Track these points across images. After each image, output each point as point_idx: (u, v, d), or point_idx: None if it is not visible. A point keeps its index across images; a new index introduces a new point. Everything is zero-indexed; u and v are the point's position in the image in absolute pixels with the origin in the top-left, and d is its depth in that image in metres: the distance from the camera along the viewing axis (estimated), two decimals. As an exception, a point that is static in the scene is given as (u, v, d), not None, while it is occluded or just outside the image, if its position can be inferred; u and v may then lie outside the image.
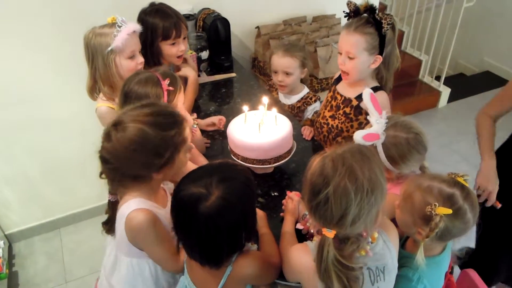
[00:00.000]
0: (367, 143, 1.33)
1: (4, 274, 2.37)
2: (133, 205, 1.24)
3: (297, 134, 1.91)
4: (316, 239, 1.15)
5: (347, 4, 1.65)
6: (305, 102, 2.21)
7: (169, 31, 1.85)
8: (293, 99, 2.25)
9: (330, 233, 1.04)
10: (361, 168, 1.03)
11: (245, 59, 2.83)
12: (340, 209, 1.01)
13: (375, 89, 1.70)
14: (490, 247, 1.98)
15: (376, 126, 1.37)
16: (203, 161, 1.63)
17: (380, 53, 1.63)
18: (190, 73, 2.02)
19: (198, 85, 2.10)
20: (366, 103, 1.42)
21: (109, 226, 1.39)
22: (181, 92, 1.55)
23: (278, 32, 2.66)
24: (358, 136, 1.34)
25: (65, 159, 2.55)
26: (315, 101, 2.22)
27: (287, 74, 2.15)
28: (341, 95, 1.80)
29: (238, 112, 1.72)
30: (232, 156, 1.62)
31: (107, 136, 1.21)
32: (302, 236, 1.39)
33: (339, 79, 1.84)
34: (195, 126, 1.70)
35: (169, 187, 1.45)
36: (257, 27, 2.67)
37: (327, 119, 1.85)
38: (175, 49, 1.91)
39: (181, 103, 1.56)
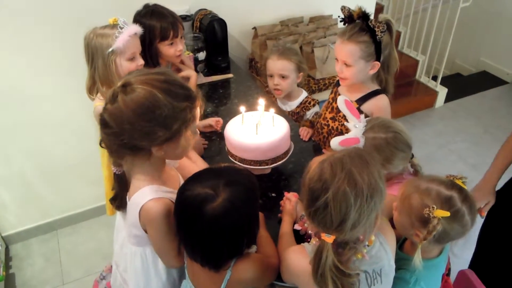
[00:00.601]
0: (346, 148, 1.34)
1: (1, 276, 2.37)
2: (148, 194, 1.19)
3: (294, 135, 1.91)
4: (314, 241, 1.14)
5: (341, 9, 1.64)
6: (304, 107, 2.20)
7: (167, 32, 1.85)
8: (292, 105, 2.23)
9: (329, 238, 1.03)
10: (361, 173, 1.02)
11: (242, 59, 2.82)
12: (340, 214, 1.01)
13: (375, 92, 1.70)
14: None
15: (354, 130, 1.38)
16: (201, 163, 1.62)
17: (378, 59, 1.63)
18: (192, 73, 2.03)
19: (196, 86, 2.10)
20: (342, 110, 1.44)
21: (118, 202, 1.32)
22: None
23: (275, 32, 2.66)
24: (335, 142, 1.36)
25: (62, 160, 2.54)
26: (313, 105, 2.20)
27: (282, 77, 2.12)
28: None
29: (235, 113, 1.72)
30: (230, 157, 1.62)
31: (112, 97, 1.11)
32: (300, 237, 1.39)
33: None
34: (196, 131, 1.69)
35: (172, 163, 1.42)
36: (254, 28, 2.67)
37: (327, 121, 1.85)
38: (173, 49, 1.91)
39: None
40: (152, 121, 1.09)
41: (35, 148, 2.45)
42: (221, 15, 2.40)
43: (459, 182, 1.23)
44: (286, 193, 1.52)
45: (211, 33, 2.37)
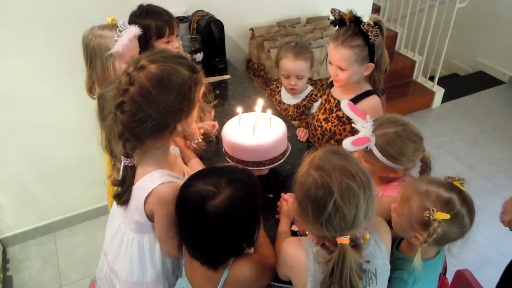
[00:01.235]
0: (355, 148, 1.34)
1: (-1, 279, 2.36)
2: (158, 177, 1.19)
3: (291, 136, 1.91)
4: (310, 236, 1.15)
5: (331, 12, 1.63)
6: (311, 99, 2.19)
7: (163, 29, 1.85)
8: (298, 98, 2.23)
9: (346, 239, 1.03)
10: (349, 164, 1.05)
11: (240, 61, 2.83)
12: (352, 210, 1.02)
13: (367, 93, 1.71)
14: None
15: (363, 131, 1.39)
16: (197, 162, 1.62)
17: (371, 61, 1.63)
18: None
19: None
20: (347, 113, 1.44)
21: (126, 196, 1.25)
22: None
23: (272, 33, 2.66)
24: (347, 143, 1.35)
25: (59, 162, 2.53)
26: (320, 96, 2.18)
27: (299, 77, 2.13)
28: (334, 98, 1.80)
29: (232, 114, 1.72)
30: (227, 159, 1.62)
31: (130, 80, 1.09)
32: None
33: (332, 82, 1.84)
34: (196, 142, 1.71)
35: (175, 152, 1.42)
36: (251, 29, 2.68)
37: (321, 122, 1.85)
38: (170, 46, 1.91)
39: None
40: (176, 91, 1.09)
41: (32, 150, 2.44)
42: (218, 17, 2.40)
43: (457, 183, 1.23)
44: (283, 194, 1.52)
45: (208, 34, 2.37)
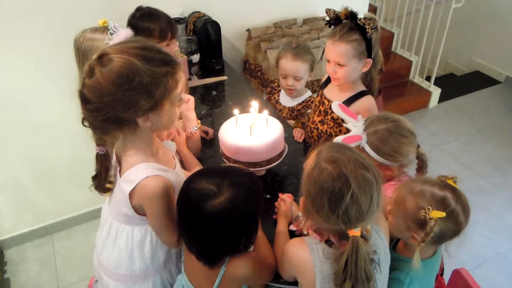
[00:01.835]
0: (350, 145, 1.34)
1: (-4, 281, 2.36)
2: (144, 171, 1.17)
3: (288, 137, 1.92)
4: (313, 235, 1.15)
5: (326, 12, 1.64)
6: (306, 105, 2.20)
7: (166, 33, 1.84)
8: (295, 102, 2.23)
9: (358, 231, 1.04)
10: (360, 157, 1.07)
11: (236, 62, 2.83)
12: (368, 200, 1.03)
13: (361, 93, 1.71)
14: None
15: (354, 129, 1.39)
16: (196, 165, 1.62)
17: (369, 56, 1.64)
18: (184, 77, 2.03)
19: (189, 88, 2.10)
20: (339, 114, 1.46)
21: (97, 181, 1.27)
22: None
23: (269, 34, 2.67)
24: (338, 141, 1.36)
25: (55, 164, 2.53)
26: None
27: (296, 78, 2.14)
28: (329, 100, 1.79)
29: (229, 115, 1.72)
30: (224, 160, 1.62)
31: (90, 71, 1.07)
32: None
33: (326, 83, 1.84)
34: (196, 128, 1.70)
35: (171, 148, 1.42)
36: (248, 30, 2.68)
37: (316, 124, 1.85)
38: (169, 49, 1.90)
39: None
40: (132, 90, 1.05)
41: (28, 152, 2.43)
42: (214, 18, 2.40)
43: (450, 182, 1.24)
44: (280, 195, 1.52)
45: (205, 35, 2.37)
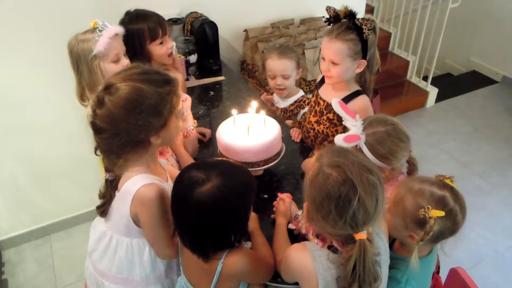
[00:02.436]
0: (348, 145, 1.35)
1: (-6, 282, 2.35)
2: (140, 181, 1.21)
3: (286, 136, 1.92)
4: (315, 240, 1.15)
5: (326, 9, 1.64)
6: (298, 105, 2.20)
7: (156, 31, 1.83)
8: (287, 102, 2.24)
9: (364, 234, 1.04)
10: (362, 160, 1.07)
11: (234, 62, 2.83)
12: (373, 203, 1.03)
13: (356, 93, 1.71)
14: None
15: (354, 129, 1.40)
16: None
17: (364, 57, 1.64)
18: (178, 75, 2.03)
19: (186, 88, 2.10)
20: (338, 111, 1.45)
21: (104, 207, 1.32)
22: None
23: (266, 35, 2.67)
24: (339, 139, 1.36)
25: (53, 164, 2.53)
26: (308, 103, 2.20)
27: (285, 77, 2.14)
28: (324, 101, 1.79)
29: (227, 115, 1.72)
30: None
31: (99, 102, 1.14)
32: (294, 237, 1.41)
33: (321, 83, 1.84)
34: (192, 128, 1.70)
35: (164, 162, 1.45)
36: (245, 30, 2.68)
37: (312, 124, 1.85)
38: (165, 47, 1.90)
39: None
40: (143, 112, 1.13)
41: (27, 152, 2.43)
42: (212, 18, 2.40)
43: (448, 181, 1.25)
44: (279, 194, 1.52)
45: (202, 36, 2.37)
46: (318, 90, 1.84)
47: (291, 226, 1.43)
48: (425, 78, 4.10)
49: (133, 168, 1.23)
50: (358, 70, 1.67)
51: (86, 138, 1.89)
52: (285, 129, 1.95)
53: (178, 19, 2.43)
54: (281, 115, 2.24)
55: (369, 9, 4.20)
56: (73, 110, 1.81)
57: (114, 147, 1.17)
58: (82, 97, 1.71)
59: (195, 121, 1.75)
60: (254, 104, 1.63)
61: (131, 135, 1.15)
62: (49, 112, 2.36)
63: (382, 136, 1.37)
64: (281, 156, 1.64)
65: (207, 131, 1.95)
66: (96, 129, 1.16)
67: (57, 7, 2.13)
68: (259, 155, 1.56)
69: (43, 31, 2.14)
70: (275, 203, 1.52)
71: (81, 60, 1.60)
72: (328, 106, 1.77)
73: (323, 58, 1.68)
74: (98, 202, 1.37)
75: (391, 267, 1.29)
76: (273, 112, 2.18)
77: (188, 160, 1.65)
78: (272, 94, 2.32)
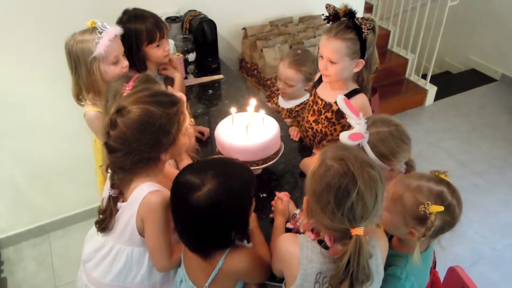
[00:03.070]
0: (354, 142, 1.35)
1: (-7, 281, 2.36)
2: (147, 188, 1.26)
3: (284, 135, 1.92)
4: (309, 234, 1.16)
5: (326, 7, 1.64)
6: (304, 107, 2.18)
7: (154, 34, 1.83)
8: (292, 104, 2.24)
9: (361, 231, 1.04)
10: (365, 156, 1.09)
11: (233, 60, 2.83)
12: (372, 198, 1.04)
13: (354, 92, 1.71)
14: None
15: (357, 127, 1.39)
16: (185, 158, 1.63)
17: (362, 57, 1.63)
18: (177, 74, 2.03)
19: (184, 87, 2.10)
20: (342, 108, 1.45)
21: (105, 223, 1.34)
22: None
23: (265, 33, 2.67)
24: (344, 136, 1.36)
25: (51, 164, 2.52)
26: None
27: (288, 84, 2.14)
28: (322, 100, 1.79)
29: (225, 114, 1.72)
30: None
31: (111, 124, 1.22)
32: (292, 236, 1.41)
33: (319, 81, 1.84)
34: (189, 127, 1.69)
35: None
36: (244, 29, 2.68)
37: (311, 124, 1.85)
38: (161, 50, 1.90)
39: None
40: (154, 132, 1.22)
41: (25, 151, 2.43)
42: (210, 16, 2.40)
43: (443, 176, 1.26)
44: (277, 193, 1.52)
45: (200, 34, 2.36)
46: (316, 89, 1.84)
47: (289, 225, 1.44)
48: (424, 76, 4.09)
49: (141, 178, 1.29)
50: (356, 70, 1.67)
51: (85, 137, 1.91)
52: (283, 128, 1.94)
53: (177, 17, 2.43)
54: (286, 116, 2.24)
55: (368, 7, 4.20)
56: (71, 109, 1.81)
57: (127, 165, 1.25)
58: (78, 97, 1.71)
59: (192, 120, 1.74)
60: (253, 102, 1.63)
61: (143, 153, 1.24)
62: (47, 111, 2.35)
63: (386, 136, 1.38)
64: (279, 155, 1.64)
65: (206, 130, 1.94)
66: (110, 149, 1.24)
67: (55, 6, 2.12)
68: (258, 154, 1.56)
69: (41, 30, 2.13)
70: (273, 202, 1.52)
71: (80, 61, 1.59)
72: (326, 105, 1.77)
73: (321, 56, 1.68)
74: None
75: (389, 264, 1.29)
76: (273, 111, 2.18)
77: (184, 156, 1.64)
78: (277, 96, 2.32)
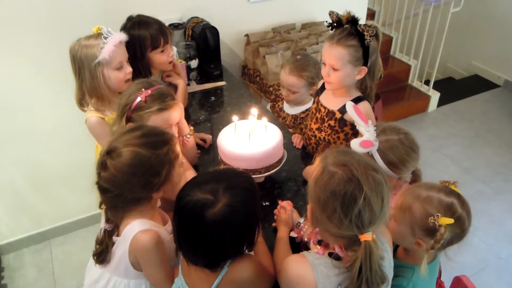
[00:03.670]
0: (364, 150, 1.34)
1: (-7, 288, 2.34)
2: (137, 226, 1.25)
3: (287, 143, 1.91)
4: (315, 249, 1.14)
5: (329, 14, 1.63)
6: (308, 114, 2.19)
7: (158, 40, 1.84)
8: (297, 110, 2.23)
9: (370, 236, 1.02)
10: (367, 159, 1.06)
11: (235, 67, 2.82)
12: (379, 202, 1.01)
13: (357, 99, 1.70)
14: None
15: (367, 134, 1.38)
16: (192, 174, 1.61)
17: (365, 64, 1.62)
18: (180, 81, 2.02)
19: (187, 93, 2.09)
20: (352, 115, 1.44)
21: (103, 256, 1.34)
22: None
23: (267, 39, 2.66)
24: (355, 144, 1.34)
25: (53, 169, 2.52)
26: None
27: (291, 91, 2.13)
28: (325, 107, 1.78)
29: (228, 121, 1.70)
30: (223, 166, 1.61)
31: (102, 165, 1.22)
32: (296, 245, 1.39)
33: (322, 89, 1.83)
34: (189, 136, 1.69)
35: None
36: (246, 35, 2.67)
37: (314, 131, 1.84)
38: (165, 55, 1.90)
39: (177, 119, 1.57)
40: (145, 174, 1.22)
41: (26, 157, 2.42)
42: (213, 23, 2.40)
43: (453, 187, 1.24)
44: (280, 202, 1.51)
45: (203, 41, 2.36)
46: (319, 97, 1.83)
47: (293, 234, 1.42)
48: (426, 82, 4.09)
49: (133, 214, 1.29)
50: (359, 77, 1.66)
51: (86, 143, 1.90)
52: (286, 135, 1.93)
53: (179, 24, 2.43)
54: (291, 122, 2.23)
55: (371, 13, 4.20)
56: (72, 115, 1.81)
57: (119, 204, 1.26)
58: (81, 102, 1.71)
59: (192, 128, 1.73)
60: (254, 111, 1.62)
61: (134, 194, 1.24)
62: (48, 117, 2.35)
63: (396, 144, 1.36)
64: (282, 163, 1.63)
65: (208, 137, 1.93)
66: (102, 189, 1.24)
67: (58, 12, 2.12)
68: (261, 162, 1.55)
69: (43, 36, 2.13)
70: (276, 211, 1.50)
71: (84, 66, 1.60)
72: (329, 113, 1.76)
73: (324, 63, 1.67)
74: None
75: (396, 275, 1.27)
76: (275, 119, 2.17)
77: (187, 166, 1.64)
78: (282, 100, 2.31)
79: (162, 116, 1.49)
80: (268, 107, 2.41)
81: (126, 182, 1.21)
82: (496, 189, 3.15)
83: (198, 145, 1.88)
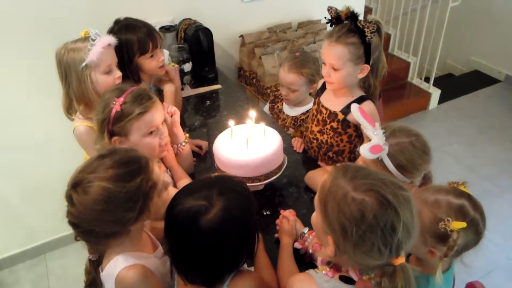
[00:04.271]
0: (374, 156, 1.26)
1: (-13, 306, 2.27)
2: (121, 262, 1.15)
3: (287, 147, 1.84)
4: (323, 271, 1.05)
5: (328, 10, 1.56)
6: (309, 115, 2.12)
7: (146, 45, 1.76)
8: (298, 111, 2.17)
9: (403, 258, 0.93)
10: (386, 175, 0.97)
11: (230, 69, 2.77)
12: (413, 221, 0.93)
13: (360, 99, 1.63)
14: None
15: (375, 138, 1.29)
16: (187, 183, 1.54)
17: (367, 62, 1.55)
18: (166, 85, 1.95)
19: (181, 98, 2.02)
20: (358, 118, 1.36)
21: (93, 287, 1.28)
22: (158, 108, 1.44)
23: (263, 40, 2.60)
24: (365, 150, 1.27)
25: (45, 181, 2.44)
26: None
27: (291, 90, 2.07)
28: (326, 109, 1.71)
29: (224, 125, 1.65)
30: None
31: (69, 200, 1.11)
32: (300, 256, 1.33)
33: (322, 89, 1.76)
34: (183, 144, 1.63)
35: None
36: (241, 36, 2.62)
37: (315, 134, 1.77)
38: (155, 61, 1.82)
39: (161, 119, 1.46)
40: (114, 210, 1.09)
41: (18, 169, 2.37)
42: (206, 24, 2.34)
43: (463, 188, 1.17)
44: (282, 211, 1.44)
45: (196, 43, 2.31)
46: (320, 98, 1.75)
47: (297, 245, 1.35)
48: (426, 79, 4.04)
49: (115, 248, 1.18)
50: (361, 76, 1.58)
51: (78, 153, 1.83)
52: (286, 139, 1.86)
53: (171, 26, 2.37)
54: (291, 123, 2.17)
55: (368, 10, 4.15)
56: (63, 125, 1.76)
57: (92, 239, 1.15)
58: (68, 110, 1.64)
59: (187, 135, 1.67)
60: (252, 114, 1.54)
61: (106, 229, 1.12)
62: (40, 127, 2.30)
63: (407, 147, 1.29)
64: (283, 169, 1.56)
65: (204, 144, 1.86)
66: (72, 224, 1.13)
67: (44, 21, 2.06)
68: (260, 169, 1.48)
69: (32, 45, 2.08)
70: (278, 221, 1.43)
71: (71, 70, 1.53)
72: (331, 115, 1.69)
73: (324, 63, 1.59)
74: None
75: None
76: (274, 122, 2.10)
77: (183, 175, 1.57)
78: (281, 101, 2.25)
79: (144, 120, 1.38)
80: (267, 108, 2.34)
81: (94, 219, 1.09)
82: (501, 187, 3.09)
83: (194, 152, 1.81)
